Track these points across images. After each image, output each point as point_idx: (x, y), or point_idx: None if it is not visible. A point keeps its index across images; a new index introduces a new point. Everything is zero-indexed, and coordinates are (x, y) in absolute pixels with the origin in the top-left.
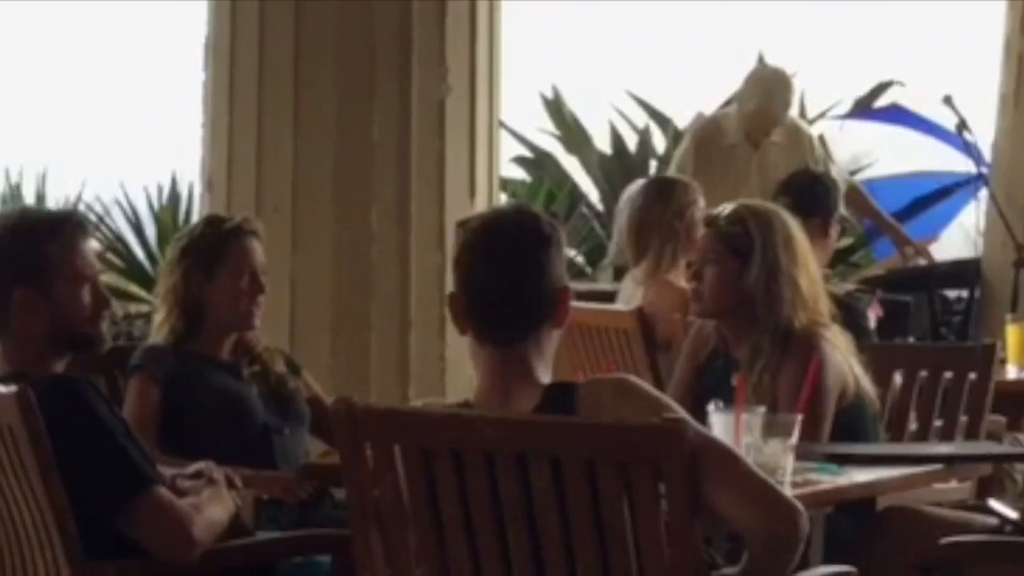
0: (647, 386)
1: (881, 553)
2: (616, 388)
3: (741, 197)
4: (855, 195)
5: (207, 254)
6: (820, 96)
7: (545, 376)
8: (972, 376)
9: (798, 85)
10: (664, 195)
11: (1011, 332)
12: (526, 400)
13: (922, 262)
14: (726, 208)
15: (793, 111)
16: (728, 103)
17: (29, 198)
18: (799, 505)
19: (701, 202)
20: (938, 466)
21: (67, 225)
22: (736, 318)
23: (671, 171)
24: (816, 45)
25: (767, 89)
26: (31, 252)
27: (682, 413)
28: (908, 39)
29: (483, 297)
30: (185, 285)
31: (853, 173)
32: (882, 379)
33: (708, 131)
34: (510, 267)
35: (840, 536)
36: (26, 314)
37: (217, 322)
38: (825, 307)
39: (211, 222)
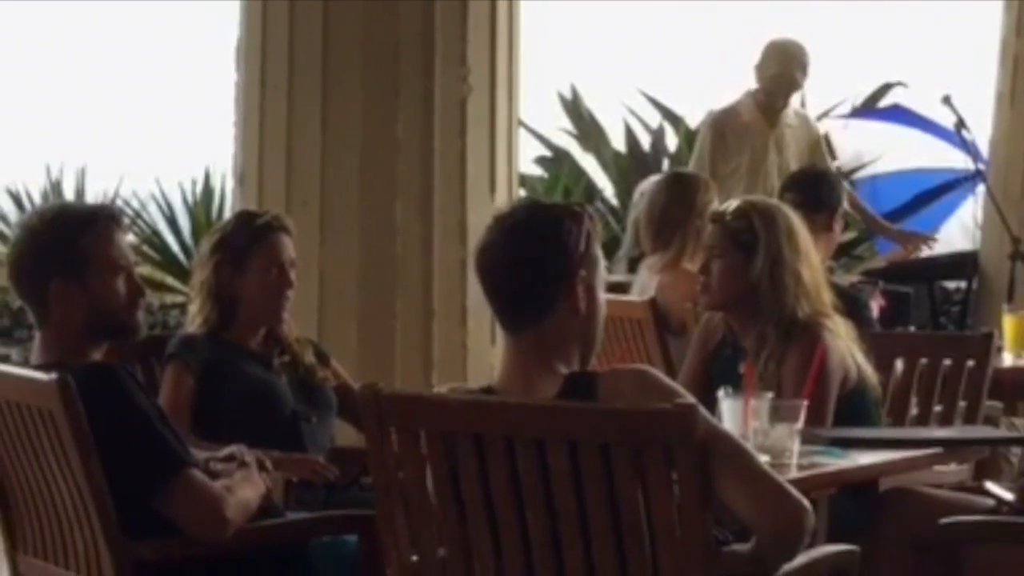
0: (665, 377)
1: (883, 533)
2: (635, 378)
3: (760, 173)
4: (850, 200)
5: (238, 249)
6: (824, 95)
7: (566, 364)
8: (970, 364)
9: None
10: (687, 193)
11: (1007, 321)
12: (547, 387)
13: (926, 250)
14: (731, 204)
15: (799, 107)
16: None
17: (69, 193)
18: (805, 503)
19: (717, 199)
20: (938, 449)
21: (101, 217)
22: (742, 309)
23: (693, 163)
24: (820, 46)
25: (787, 53)
26: (67, 244)
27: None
28: (908, 41)
29: (491, 286)
30: (217, 278)
31: (856, 170)
32: (884, 366)
33: (723, 116)
34: (506, 259)
35: (843, 516)
36: (64, 305)
37: (248, 314)
38: (828, 297)
39: (242, 218)
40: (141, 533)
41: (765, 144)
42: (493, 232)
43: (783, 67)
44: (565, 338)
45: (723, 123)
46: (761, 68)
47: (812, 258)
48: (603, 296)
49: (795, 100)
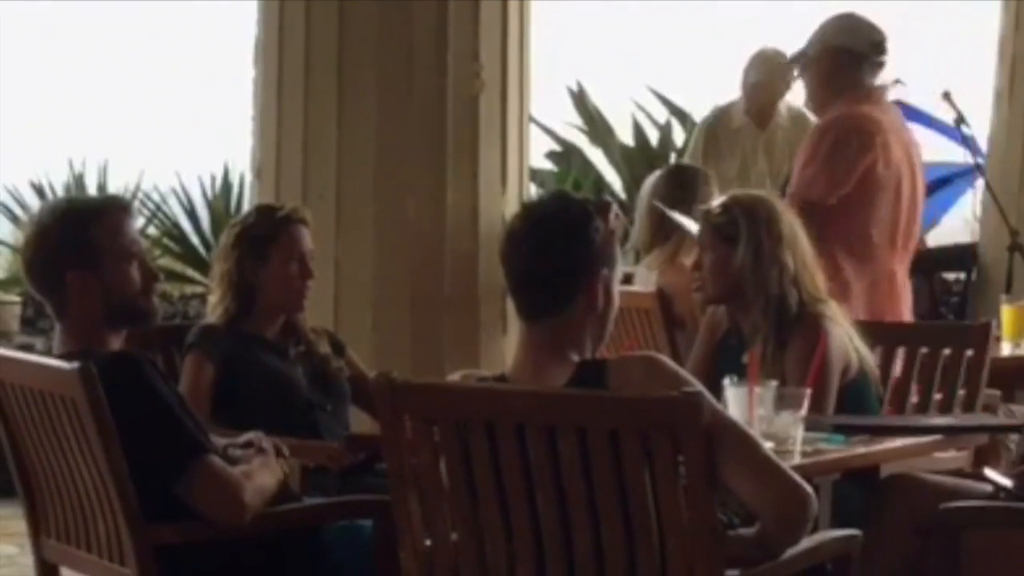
0: (672, 364)
1: (884, 517)
2: (644, 365)
3: (751, 178)
4: None
5: (259, 241)
6: None
7: (578, 353)
8: (969, 353)
9: None
10: (687, 188)
11: (1005, 312)
12: (558, 375)
13: (927, 243)
14: (717, 201)
15: (800, 103)
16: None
17: (91, 187)
18: (808, 488)
19: (717, 192)
20: (938, 437)
21: (110, 208)
22: (736, 300)
23: (686, 160)
24: None
25: (770, 63)
26: (79, 237)
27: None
28: (909, 38)
29: (514, 272)
30: (238, 269)
31: None
32: (885, 355)
33: (716, 119)
34: (532, 247)
35: (846, 502)
36: (81, 296)
37: (268, 304)
38: (821, 281)
39: (263, 211)
40: (161, 518)
41: (755, 148)
42: (522, 219)
43: (763, 76)
44: (578, 331)
45: (716, 125)
46: (744, 76)
47: (799, 245)
48: (617, 295)
49: (796, 99)
